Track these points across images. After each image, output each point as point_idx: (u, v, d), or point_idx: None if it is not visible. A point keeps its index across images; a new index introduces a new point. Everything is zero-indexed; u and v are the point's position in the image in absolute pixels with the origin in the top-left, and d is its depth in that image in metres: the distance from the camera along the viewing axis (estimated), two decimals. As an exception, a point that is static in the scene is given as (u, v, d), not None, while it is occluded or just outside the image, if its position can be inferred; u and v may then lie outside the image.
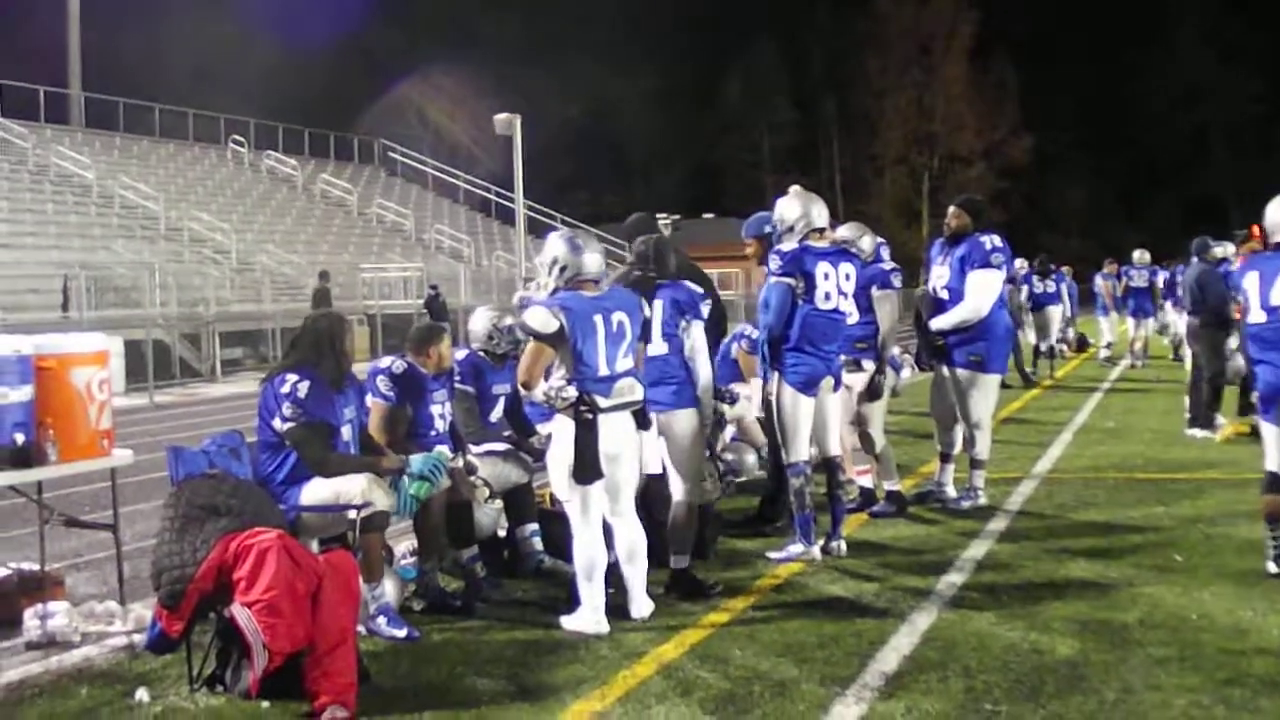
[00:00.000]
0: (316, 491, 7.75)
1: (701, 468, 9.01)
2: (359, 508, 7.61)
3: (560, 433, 7.92)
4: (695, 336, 8.82)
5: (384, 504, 7.72)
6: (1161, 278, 29.56)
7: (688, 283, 8.98)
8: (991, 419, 11.61)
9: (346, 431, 8.00)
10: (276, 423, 7.76)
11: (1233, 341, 16.60)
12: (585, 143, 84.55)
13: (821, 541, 9.61)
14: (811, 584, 8.87)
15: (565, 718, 6.33)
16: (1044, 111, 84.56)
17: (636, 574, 8.17)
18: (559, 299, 7.88)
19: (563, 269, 8.05)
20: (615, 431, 7.89)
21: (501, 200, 58.13)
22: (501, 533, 9.67)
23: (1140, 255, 29.04)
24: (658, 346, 8.70)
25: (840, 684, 6.68)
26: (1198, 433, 15.98)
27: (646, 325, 8.27)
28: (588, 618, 7.86)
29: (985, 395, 11.35)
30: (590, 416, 7.75)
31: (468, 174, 63.28)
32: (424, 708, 6.49)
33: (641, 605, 8.14)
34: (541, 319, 7.74)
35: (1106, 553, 9.53)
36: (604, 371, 7.85)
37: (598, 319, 7.84)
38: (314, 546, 7.93)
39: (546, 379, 7.88)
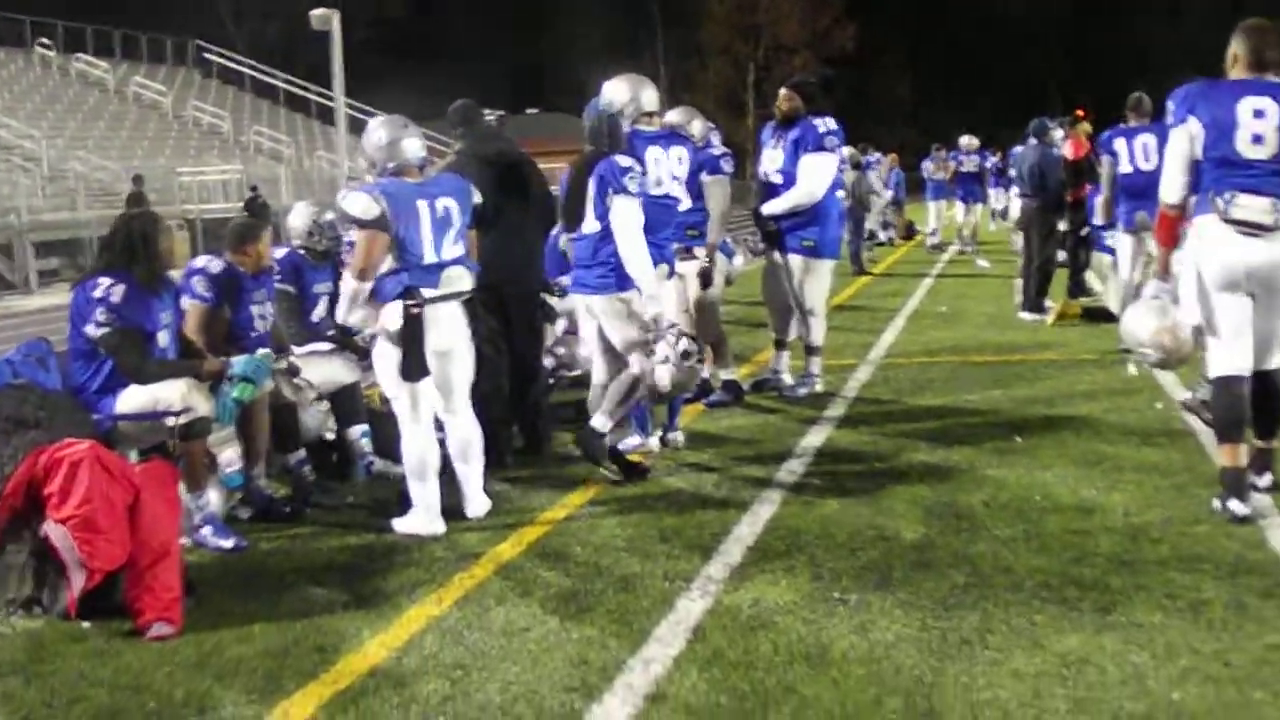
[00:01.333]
0: (133, 399, 7.37)
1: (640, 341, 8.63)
2: (178, 414, 7.26)
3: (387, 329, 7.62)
4: (617, 211, 8.40)
5: (204, 409, 7.37)
6: (990, 162, 29.84)
7: (618, 157, 8.59)
8: (825, 305, 11.48)
9: (164, 337, 7.61)
10: (89, 329, 7.34)
11: (1062, 225, 16.76)
12: (405, 39, 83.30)
13: (659, 433, 9.45)
14: (650, 477, 8.68)
15: (401, 623, 6.08)
16: (867, 0, 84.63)
17: (471, 472, 7.94)
18: (379, 185, 7.55)
19: (375, 161, 7.78)
20: (444, 325, 7.61)
21: (322, 99, 56.85)
22: (330, 435, 9.37)
23: (968, 140, 29.21)
24: (590, 225, 8.51)
25: (684, 578, 6.49)
26: (1029, 316, 16.07)
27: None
28: (421, 519, 7.61)
29: (819, 281, 11.21)
30: (417, 311, 7.46)
31: (286, 73, 61.81)
32: (254, 620, 6.20)
33: (477, 504, 7.92)
34: (361, 205, 7.40)
35: (947, 436, 9.47)
36: (431, 259, 7.55)
37: (421, 204, 7.52)
38: (133, 457, 7.57)
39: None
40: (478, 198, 7.98)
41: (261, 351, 8.04)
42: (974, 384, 11.60)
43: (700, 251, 10.45)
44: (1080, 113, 20.29)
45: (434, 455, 7.68)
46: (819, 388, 11.33)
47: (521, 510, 7.99)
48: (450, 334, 7.68)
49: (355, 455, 9.15)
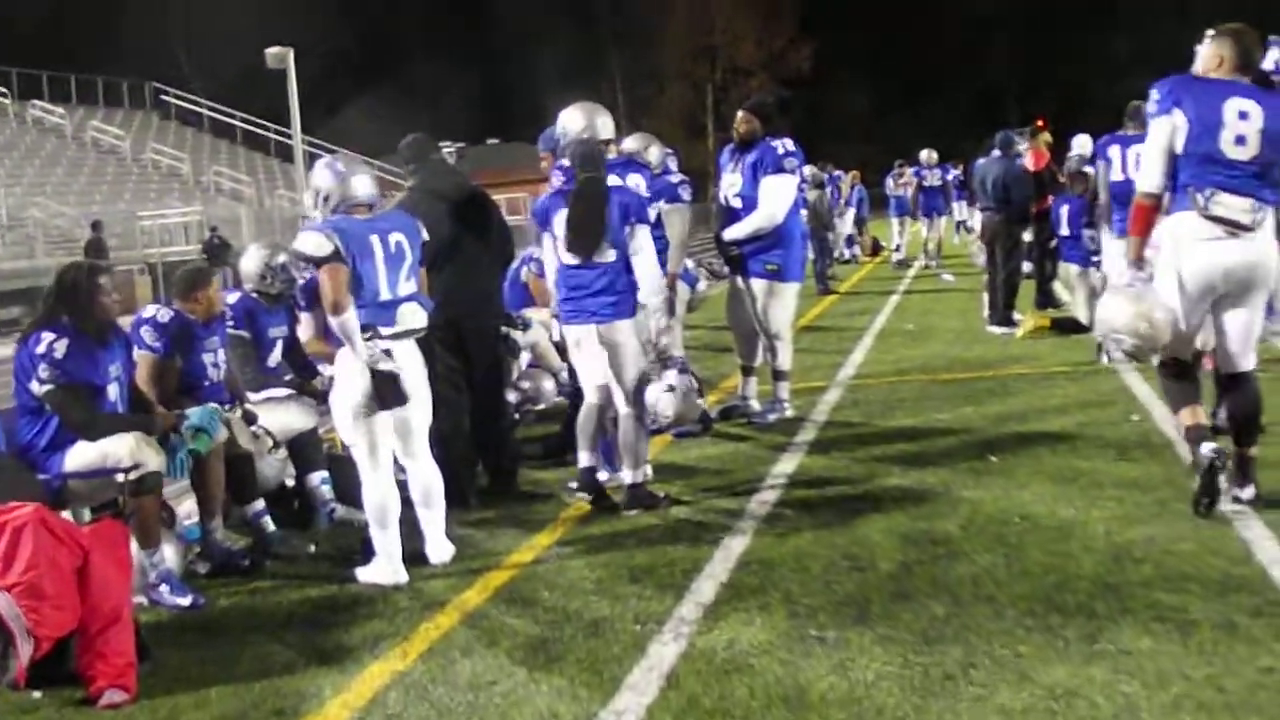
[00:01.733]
0: (81, 455, 7.13)
1: (640, 377, 8.64)
2: (128, 470, 7.02)
3: (342, 373, 7.40)
4: (640, 241, 8.41)
5: (155, 464, 7.13)
6: (952, 175, 29.80)
7: (635, 187, 8.68)
8: (791, 329, 11.29)
9: (113, 390, 7.37)
10: (34, 386, 7.10)
11: (1028, 235, 16.63)
12: (362, 74, 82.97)
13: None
14: (619, 513, 8.46)
15: (364, 680, 5.85)
16: (823, 18, 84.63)
17: (434, 517, 7.71)
18: (330, 222, 7.37)
19: (326, 198, 7.53)
20: (402, 364, 7.38)
21: (281, 137, 56.53)
22: (291, 481, 9.14)
23: (928, 155, 29.19)
24: (606, 254, 8.37)
25: (656, 620, 6.27)
26: (998, 329, 15.92)
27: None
28: (384, 568, 7.37)
29: (784, 305, 11.01)
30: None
31: (243, 112, 61.47)
32: (211, 683, 5.97)
33: (441, 550, 7.68)
34: (314, 242, 7.22)
35: (920, 458, 9.29)
36: (386, 295, 7.38)
37: (374, 239, 7.35)
38: (86, 515, 7.36)
39: None
40: (425, 235, 7.78)
41: (212, 406, 7.81)
42: (945, 402, 11.42)
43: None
44: (1040, 123, 20.16)
45: (395, 502, 7.45)
46: (788, 413, 11.13)
47: (487, 554, 7.75)
48: (408, 374, 7.46)
49: (317, 503, 8.91)
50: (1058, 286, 17.46)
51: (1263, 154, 7.09)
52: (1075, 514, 7.53)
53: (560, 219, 8.47)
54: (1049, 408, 10.68)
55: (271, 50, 38.59)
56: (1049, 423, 10.07)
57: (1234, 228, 7.09)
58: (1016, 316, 16.07)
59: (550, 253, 8.64)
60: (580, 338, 8.58)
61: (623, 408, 8.60)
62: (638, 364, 8.58)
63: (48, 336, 7.11)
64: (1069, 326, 14.96)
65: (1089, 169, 14.62)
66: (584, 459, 8.77)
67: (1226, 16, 7.62)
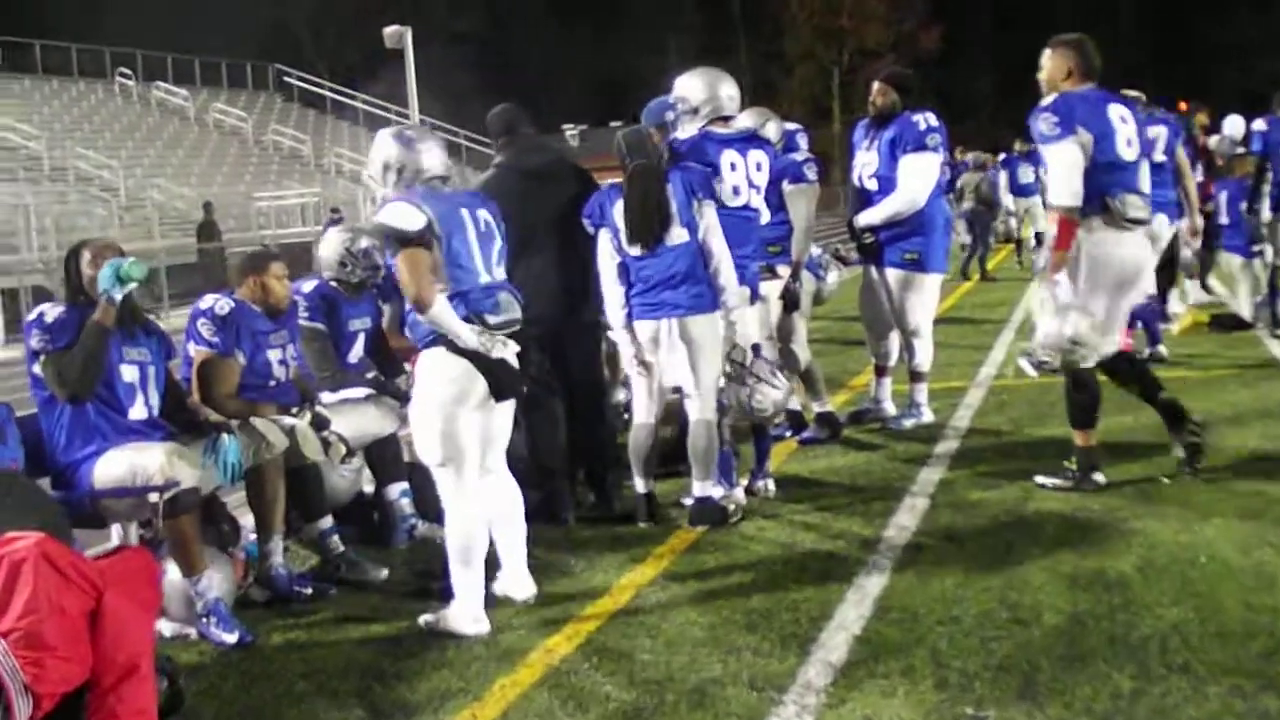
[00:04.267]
0: (109, 470, 6.22)
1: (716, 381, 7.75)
2: (160, 489, 6.08)
3: (427, 382, 6.34)
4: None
5: (191, 480, 6.17)
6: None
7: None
8: (930, 325, 10.16)
9: (129, 373, 6.49)
10: (35, 368, 6.35)
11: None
12: (482, 58, 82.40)
13: (745, 481, 8.21)
14: (735, 538, 7.40)
15: (423, 755, 4.85)
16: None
17: (513, 543, 6.62)
18: (415, 193, 6.26)
19: (399, 170, 6.37)
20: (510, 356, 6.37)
21: (401, 119, 56.03)
22: (370, 488, 8.15)
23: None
24: (678, 235, 7.47)
25: (776, 686, 5.18)
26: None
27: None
28: (463, 614, 6.21)
29: (924, 298, 9.93)
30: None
31: (366, 94, 61.10)
32: (246, 747, 5.01)
33: (521, 585, 6.59)
34: (404, 213, 6.09)
35: (1080, 477, 8.10)
36: (485, 278, 6.30)
37: (464, 213, 6.30)
38: (134, 533, 6.47)
39: None
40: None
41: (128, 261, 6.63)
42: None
43: (784, 269, 9.18)
44: (1184, 106, 18.79)
45: (483, 536, 6.33)
46: (926, 418, 10.04)
47: (581, 587, 6.71)
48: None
49: (395, 518, 7.93)
50: (1211, 279, 16.12)
51: (1140, 152, 7.74)
52: (1274, 556, 6.33)
53: (618, 210, 7.51)
54: (1221, 418, 9.35)
55: (389, 30, 37.99)
56: (1224, 437, 8.75)
57: (1137, 224, 7.66)
58: (1172, 311, 14.72)
59: (607, 250, 7.63)
60: (657, 333, 7.59)
61: (695, 412, 7.67)
62: (716, 364, 7.65)
63: (45, 306, 6.42)
64: (1229, 324, 13.70)
65: (1240, 150, 14.44)
66: (641, 484, 7.88)
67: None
